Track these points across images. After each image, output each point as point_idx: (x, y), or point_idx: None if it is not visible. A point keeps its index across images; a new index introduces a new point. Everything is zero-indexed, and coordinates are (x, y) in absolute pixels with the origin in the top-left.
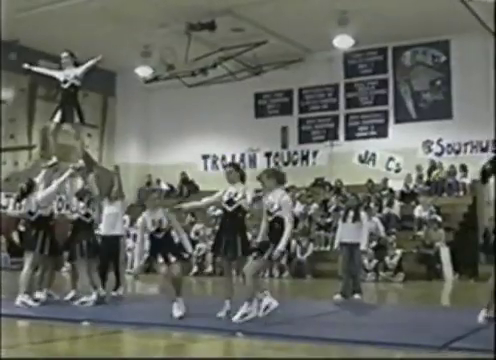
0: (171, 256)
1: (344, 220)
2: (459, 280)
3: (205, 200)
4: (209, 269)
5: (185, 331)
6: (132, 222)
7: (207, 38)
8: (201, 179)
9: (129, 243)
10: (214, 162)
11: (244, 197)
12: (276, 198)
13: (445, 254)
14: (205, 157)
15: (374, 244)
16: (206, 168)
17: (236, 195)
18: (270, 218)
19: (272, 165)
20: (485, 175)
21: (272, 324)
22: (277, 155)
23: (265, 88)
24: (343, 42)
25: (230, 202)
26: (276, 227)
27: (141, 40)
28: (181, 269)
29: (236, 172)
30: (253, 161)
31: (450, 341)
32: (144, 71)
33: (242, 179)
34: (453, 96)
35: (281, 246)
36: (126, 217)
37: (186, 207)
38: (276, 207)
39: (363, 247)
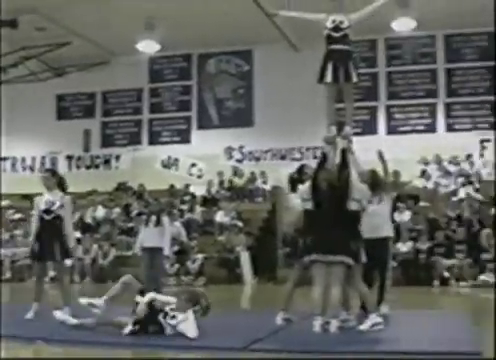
0: None
1: (146, 225)
2: (258, 284)
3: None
4: (7, 275)
5: None
6: None
7: (9, 36)
8: None
9: None
10: (13, 165)
11: (62, 206)
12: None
13: (245, 258)
14: (4, 159)
15: (176, 249)
16: (5, 170)
17: (54, 204)
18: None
19: (74, 169)
20: (292, 183)
21: None
22: (79, 158)
23: (68, 90)
24: (148, 47)
25: (48, 211)
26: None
27: None
28: None
29: (52, 178)
30: (54, 164)
31: (250, 343)
32: None
33: (60, 186)
34: (255, 104)
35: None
36: None
37: None
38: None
39: (166, 252)
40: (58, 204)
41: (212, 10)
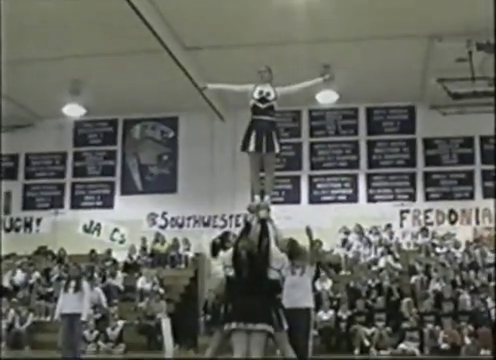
0: None
1: (65, 290)
2: (179, 351)
3: None
4: None
5: None
6: None
7: None
8: None
9: None
10: None
11: None
12: None
13: (166, 325)
14: None
15: (97, 316)
16: None
17: None
18: None
19: None
20: (214, 249)
21: None
22: None
23: None
24: (74, 110)
25: None
26: None
27: None
28: None
29: None
30: None
31: None
32: None
33: None
34: (179, 171)
35: None
36: None
37: None
38: None
39: (84, 318)
40: None
41: (139, 76)
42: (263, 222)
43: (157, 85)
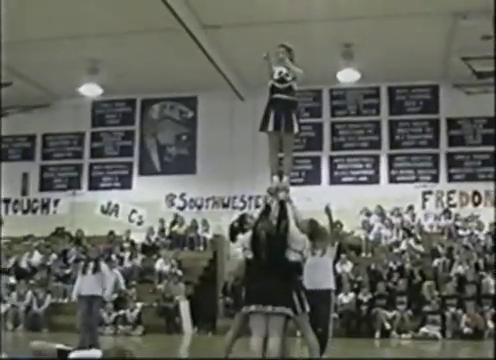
0: None
1: (84, 272)
2: (198, 334)
3: None
4: None
5: None
6: None
7: None
8: None
9: None
10: None
11: None
12: None
13: (185, 308)
14: None
15: (115, 297)
16: None
17: None
18: None
19: (10, 212)
20: (233, 233)
21: None
22: (17, 202)
23: (7, 131)
24: (91, 90)
25: None
26: None
27: None
28: None
29: None
30: None
31: None
32: None
33: None
34: (198, 152)
35: None
36: None
37: None
38: None
39: (107, 298)
40: None
41: (157, 55)
42: (282, 204)
43: (175, 64)
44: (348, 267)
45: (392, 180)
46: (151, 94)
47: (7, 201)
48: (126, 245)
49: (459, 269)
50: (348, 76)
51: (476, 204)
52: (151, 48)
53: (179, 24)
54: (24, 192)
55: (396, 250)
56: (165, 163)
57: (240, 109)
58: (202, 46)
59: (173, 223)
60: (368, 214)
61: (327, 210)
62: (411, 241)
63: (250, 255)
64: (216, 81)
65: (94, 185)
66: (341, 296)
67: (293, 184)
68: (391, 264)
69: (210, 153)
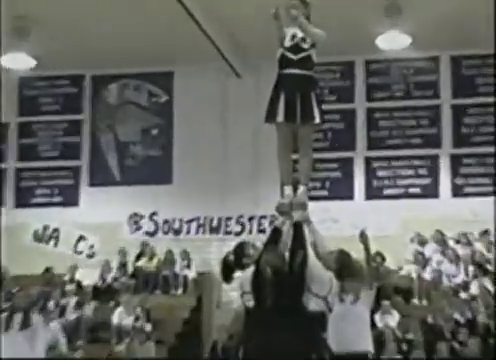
0: None
1: (7, 327)
2: None
3: None
4: None
5: None
6: None
7: None
8: None
9: None
10: None
11: None
12: None
13: None
14: None
15: None
16: None
17: None
18: None
19: None
20: (227, 270)
21: None
22: None
23: None
24: (18, 62)
25: None
26: None
27: None
28: None
29: None
30: None
31: None
32: None
33: None
34: (174, 152)
35: None
36: None
37: None
38: None
39: None
40: None
41: (116, 11)
42: (297, 227)
43: (142, 24)
44: (393, 320)
45: (457, 192)
46: (106, 69)
47: None
48: (70, 288)
49: None
50: (393, 41)
51: None
52: (107, 2)
53: None
54: None
55: (464, 295)
56: (127, 168)
57: (236, 90)
58: None
59: (139, 256)
60: (422, 242)
61: (362, 236)
62: (486, 282)
63: (251, 302)
64: (201, 49)
65: (23, 200)
66: None
67: (313, 198)
68: (457, 316)
69: (192, 154)
